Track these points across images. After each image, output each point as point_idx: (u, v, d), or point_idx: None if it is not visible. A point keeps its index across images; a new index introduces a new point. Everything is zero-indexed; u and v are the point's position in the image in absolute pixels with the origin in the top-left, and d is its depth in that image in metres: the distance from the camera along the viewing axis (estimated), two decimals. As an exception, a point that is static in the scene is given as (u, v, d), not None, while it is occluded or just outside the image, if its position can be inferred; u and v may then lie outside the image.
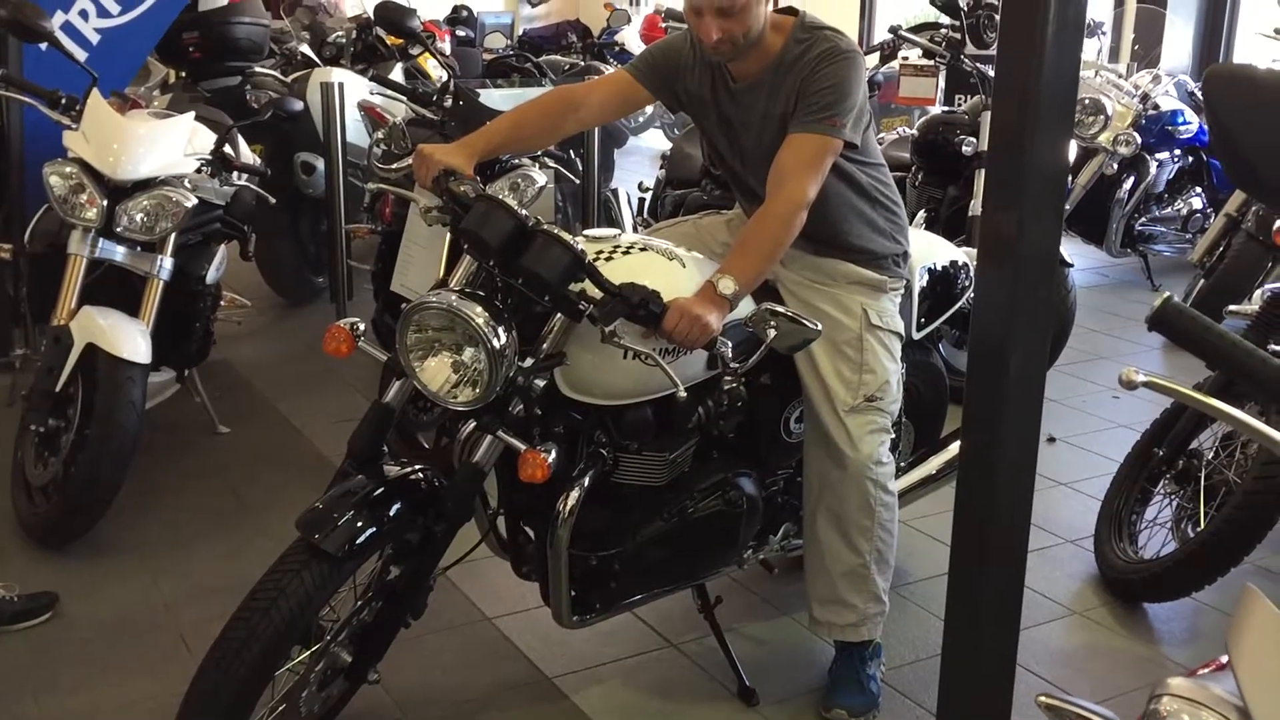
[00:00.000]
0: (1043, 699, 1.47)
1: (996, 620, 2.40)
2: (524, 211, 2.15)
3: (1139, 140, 5.83)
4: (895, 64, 6.16)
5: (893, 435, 2.54)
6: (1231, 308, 3.26)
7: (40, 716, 2.58)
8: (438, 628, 2.86)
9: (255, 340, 5.10)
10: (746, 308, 2.37)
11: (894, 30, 6.50)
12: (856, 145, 2.47)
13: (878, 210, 2.63)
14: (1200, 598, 3.09)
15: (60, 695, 2.65)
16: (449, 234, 3.21)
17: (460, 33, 9.81)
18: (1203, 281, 5.18)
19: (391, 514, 2.18)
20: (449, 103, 3.84)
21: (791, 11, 2.52)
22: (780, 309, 2.18)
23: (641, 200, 5.30)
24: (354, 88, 5.04)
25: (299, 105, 4.04)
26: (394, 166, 3.54)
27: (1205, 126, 5.33)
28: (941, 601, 2.45)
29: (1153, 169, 6.11)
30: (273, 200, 3.90)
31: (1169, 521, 3.21)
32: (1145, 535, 3.27)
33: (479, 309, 2.09)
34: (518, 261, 2.12)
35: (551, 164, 4.05)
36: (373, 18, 4.81)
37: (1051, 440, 4.19)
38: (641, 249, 2.39)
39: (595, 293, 2.14)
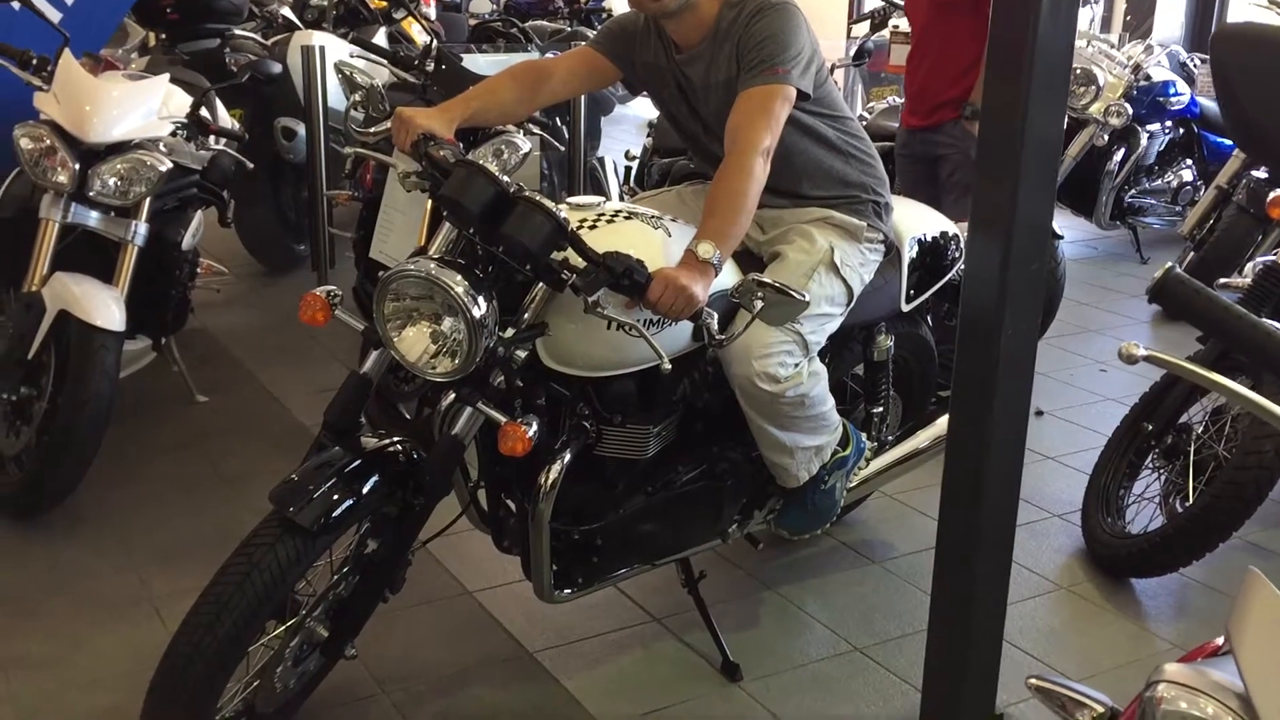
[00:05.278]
0: (1032, 681, 1.44)
1: (984, 595, 2.37)
2: (505, 178, 2.10)
3: (1130, 111, 5.78)
4: (885, 32, 6.08)
5: (798, 364, 2.44)
6: (1223, 281, 3.22)
7: (10, 693, 2.53)
8: (418, 601, 2.82)
9: (235, 308, 5.03)
10: (731, 277, 2.32)
11: (885, -2, 6.42)
12: (809, 95, 2.43)
13: (850, 163, 2.62)
14: (1188, 573, 3.07)
15: (30, 670, 2.60)
16: (429, 200, 3.15)
17: (446, -2, 9.69)
18: (1193, 254, 5.15)
19: (368, 487, 2.13)
20: (431, 67, 3.76)
21: None
22: (767, 280, 2.12)
23: (628, 169, 5.22)
24: (335, 51, 4.94)
25: (278, 68, 3.96)
26: (372, 130, 3.46)
27: (1213, 89, 5.26)
28: (927, 576, 2.43)
29: (1143, 141, 6.06)
30: (250, 165, 3.82)
31: (1157, 496, 3.19)
32: (1133, 510, 3.24)
33: (458, 278, 2.04)
34: (498, 229, 2.07)
35: (537, 131, 3.98)
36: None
37: (1039, 414, 4.16)
38: (626, 217, 2.34)
39: (578, 262, 2.08)
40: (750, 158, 2.28)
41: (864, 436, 2.85)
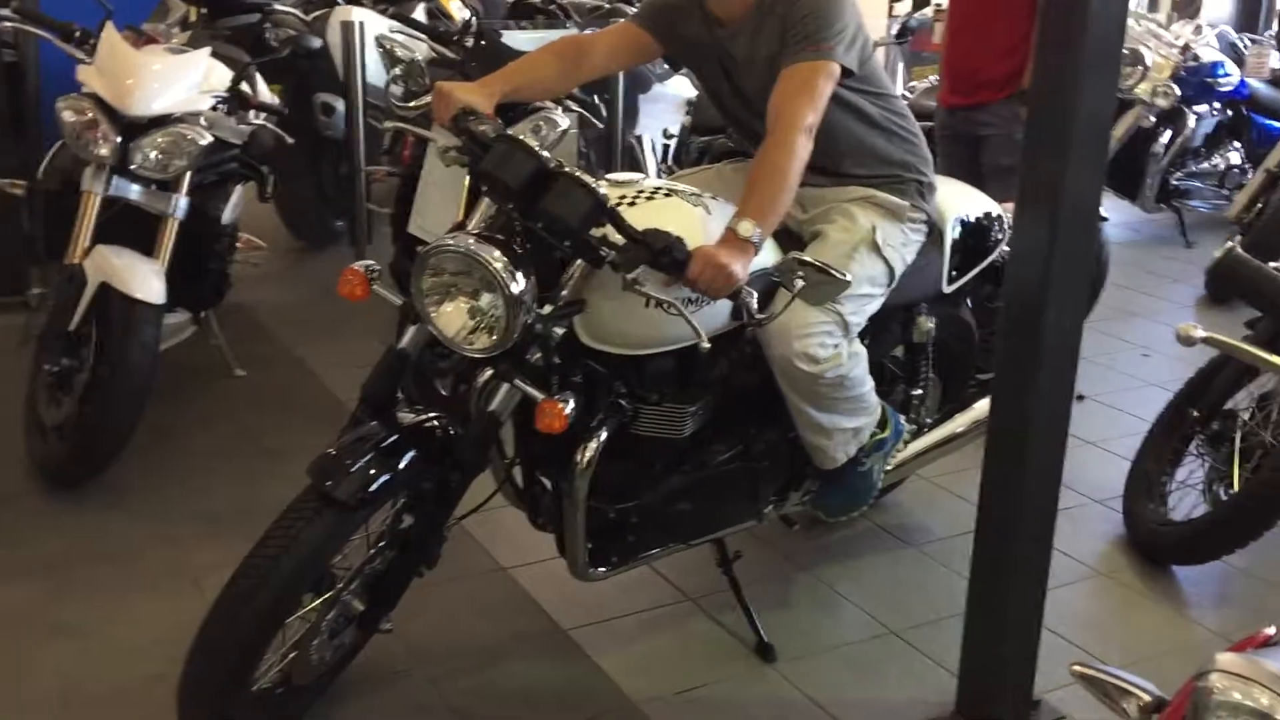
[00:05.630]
0: (1076, 668, 1.42)
1: (1024, 580, 2.35)
2: (546, 153, 2.08)
3: (1178, 92, 5.69)
4: (928, 10, 6.01)
5: (837, 345, 2.42)
6: (1273, 265, 3.16)
7: (52, 661, 2.56)
8: (453, 577, 2.81)
9: (274, 283, 5.04)
10: (772, 256, 2.30)
11: (928, -25, 6.35)
12: (854, 71, 2.39)
13: (893, 141, 2.59)
14: (1231, 561, 3.03)
15: (71, 638, 2.63)
16: (468, 175, 3.13)
17: (484, -26, 9.64)
18: (1240, 238, 5.04)
19: (405, 462, 2.12)
20: (470, 43, 3.74)
21: None
22: (808, 259, 2.10)
23: (666, 147, 5.20)
24: (374, 27, 4.93)
25: (318, 42, 3.96)
26: (412, 105, 3.45)
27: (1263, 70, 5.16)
28: (964, 560, 2.41)
29: (1191, 122, 5.96)
30: (290, 140, 3.83)
31: (1200, 483, 3.14)
32: (1176, 496, 3.20)
33: (497, 253, 2.03)
34: (538, 205, 2.05)
35: (575, 108, 3.95)
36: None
37: (1080, 398, 4.09)
38: (666, 194, 2.32)
39: (617, 239, 2.06)
40: (793, 135, 2.25)
41: (902, 419, 2.82)
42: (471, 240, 2.05)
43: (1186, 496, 3.17)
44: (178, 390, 3.86)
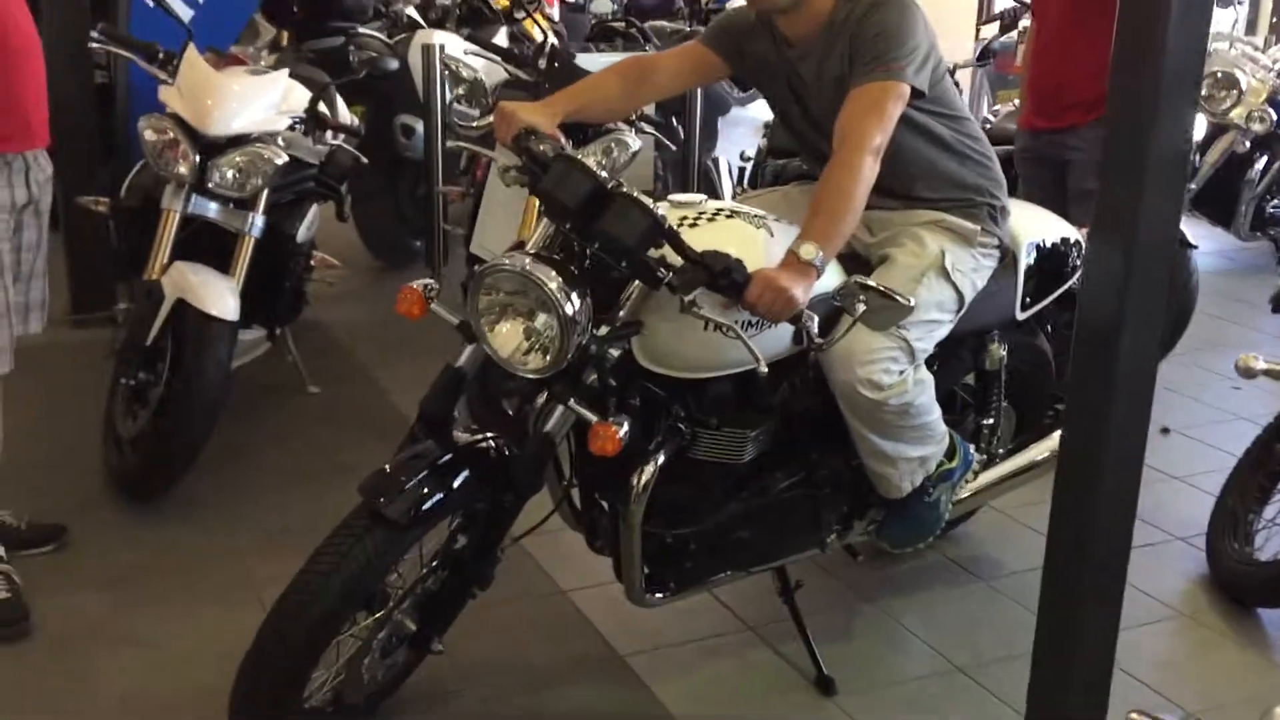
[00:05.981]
0: (1133, 716, 1.35)
1: (1094, 619, 2.26)
2: (604, 173, 2.06)
3: (1275, 117, 5.49)
4: (1014, 33, 5.90)
5: (903, 372, 2.35)
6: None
7: (119, 667, 2.60)
8: (511, 597, 2.80)
9: (350, 302, 5.10)
10: (835, 279, 2.25)
11: (1015, -3, 6.23)
12: (924, 93, 2.33)
13: (966, 165, 2.53)
14: (1320, 606, 2.89)
15: (138, 646, 2.68)
16: (529, 195, 3.14)
17: (570, -1, 9.74)
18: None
19: (459, 482, 2.12)
20: (544, 65, 3.76)
21: None
22: (870, 282, 2.05)
23: (742, 170, 5.16)
24: (455, 50, 4.99)
25: (394, 65, 4.01)
26: (474, 124, 3.47)
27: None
28: (1036, 596, 2.32)
29: (1288, 148, 5.75)
30: (365, 161, 3.87)
31: (1289, 523, 3.01)
32: (1263, 536, 3.06)
33: (552, 273, 2.01)
34: (595, 224, 2.04)
35: (648, 129, 3.94)
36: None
37: (1165, 431, 3.97)
38: (728, 216, 2.29)
39: (676, 260, 2.04)
40: (859, 156, 2.20)
41: (972, 449, 2.74)
42: (527, 260, 2.04)
43: (1275, 536, 3.03)
44: (252, 406, 3.92)
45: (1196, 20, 1.97)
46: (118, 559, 3.04)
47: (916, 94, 2.32)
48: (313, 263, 3.91)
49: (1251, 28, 7.12)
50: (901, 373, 2.35)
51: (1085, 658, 2.27)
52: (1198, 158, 5.67)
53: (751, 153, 5.33)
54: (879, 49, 2.28)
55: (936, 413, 2.49)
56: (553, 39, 4.35)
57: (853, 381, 2.31)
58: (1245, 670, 2.74)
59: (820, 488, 2.51)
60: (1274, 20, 7.00)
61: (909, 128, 2.40)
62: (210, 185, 3.34)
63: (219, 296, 3.23)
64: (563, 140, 2.29)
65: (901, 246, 2.48)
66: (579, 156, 2.14)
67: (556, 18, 8.09)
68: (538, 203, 3.22)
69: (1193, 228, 5.28)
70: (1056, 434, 2.93)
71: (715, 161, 5.21)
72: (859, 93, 2.28)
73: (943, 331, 2.48)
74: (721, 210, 2.29)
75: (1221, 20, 6.44)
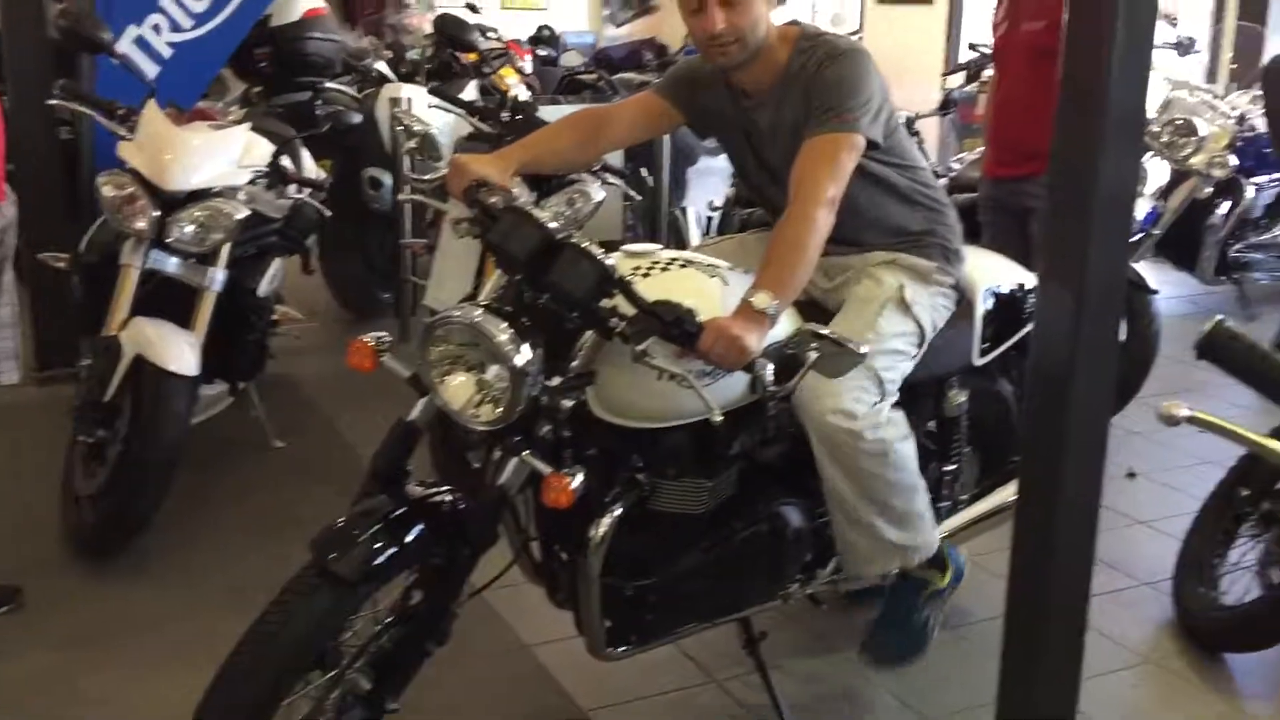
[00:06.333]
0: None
1: (1054, 668, 2.24)
2: (554, 224, 2.06)
3: (1235, 163, 5.56)
4: (975, 84, 5.97)
5: (876, 401, 2.34)
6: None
7: (66, 730, 2.55)
8: (471, 653, 2.75)
9: (318, 355, 5.07)
10: (788, 327, 2.25)
11: (975, 47, 6.32)
12: (879, 144, 2.35)
13: (918, 211, 2.55)
14: (1287, 649, 2.88)
15: (94, 707, 2.63)
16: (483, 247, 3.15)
17: (542, 52, 9.83)
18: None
19: (412, 537, 2.09)
20: (507, 118, 3.77)
21: (794, 25, 2.47)
22: (823, 330, 2.05)
23: (710, 219, 5.19)
24: (421, 103, 5.02)
25: (357, 118, 4.02)
26: (427, 177, 3.48)
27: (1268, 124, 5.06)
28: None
29: (1249, 193, 5.82)
30: (329, 214, 3.87)
31: (1254, 566, 3.00)
32: (1228, 580, 3.05)
33: (503, 325, 2.00)
34: (545, 276, 2.03)
35: (614, 180, 3.96)
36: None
37: (1132, 475, 3.98)
38: (681, 265, 2.29)
39: (628, 310, 2.03)
40: (813, 208, 2.21)
41: (964, 558, 2.70)
42: (477, 312, 2.03)
43: (1240, 579, 3.03)
44: (216, 461, 3.89)
45: (1137, 64, 2.00)
46: (75, 619, 2.99)
47: (871, 145, 2.34)
48: (276, 317, 3.89)
49: (1211, 75, 7.23)
50: (874, 404, 2.34)
51: (1047, 707, 2.25)
52: (1161, 203, 5.73)
53: (720, 202, 5.36)
54: (834, 100, 2.30)
55: (921, 486, 2.46)
56: (522, 92, 4.38)
57: (824, 413, 2.29)
58: (1213, 716, 2.72)
59: (781, 537, 2.48)
60: (1232, 68, 7.12)
61: (864, 178, 2.42)
62: (170, 240, 3.33)
63: (178, 352, 3.21)
64: (515, 192, 2.29)
65: (859, 284, 2.50)
66: (534, 208, 2.14)
67: (529, 70, 8.17)
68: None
69: (1158, 273, 5.33)
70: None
71: (683, 211, 5.23)
72: (814, 143, 2.29)
73: (907, 366, 2.47)
74: (675, 260, 2.29)
75: (1181, 68, 6.53)
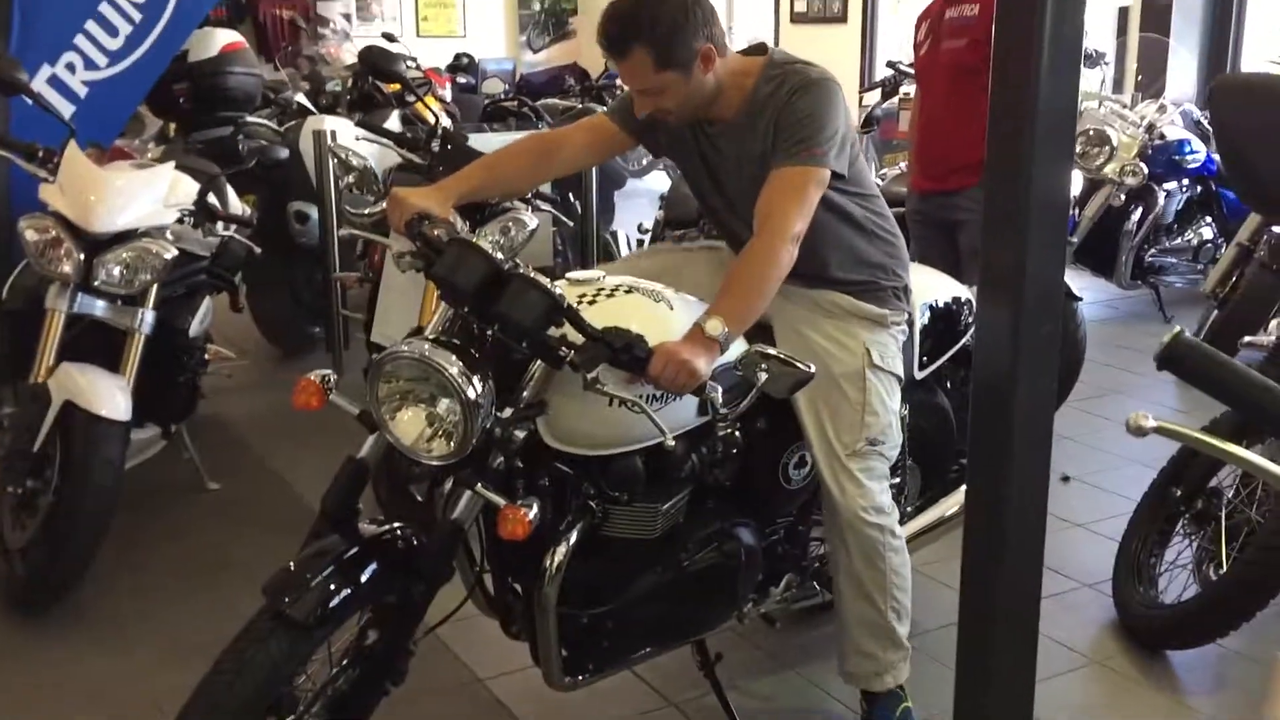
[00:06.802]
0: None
1: (1009, 672, 2.27)
2: (499, 255, 2.06)
3: (1146, 171, 5.74)
4: (895, 100, 6.09)
5: (895, 481, 2.43)
6: (1247, 339, 3.15)
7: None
8: (426, 690, 2.72)
9: (249, 393, 5.00)
10: (738, 349, 2.27)
11: (893, 65, 6.45)
12: (844, 175, 2.38)
13: (874, 243, 2.54)
14: (1226, 644, 2.95)
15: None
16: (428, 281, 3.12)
17: (462, 80, 9.79)
18: (1216, 313, 5.05)
19: (366, 576, 2.06)
20: (437, 148, 3.76)
21: (761, 50, 2.47)
22: (772, 351, 2.07)
23: (640, 242, 5.21)
24: (346, 135, 4.98)
25: (284, 152, 3.98)
26: (366, 211, 3.45)
27: (1214, 143, 5.23)
28: (954, 653, 2.33)
29: (1161, 199, 6.01)
30: (259, 251, 3.81)
31: (1190, 564, 3.07)
32: (1165, 578, 3.13)
33: (453, 358, 1.99)
34: (493, 307, 2.02)
35: (545, 207, 3.96)
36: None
37: (1066, 479, 4.06)
38: (627, 291, 2.29)
39: (577, 338, 2.03)
40: (779, 243, 2.23)
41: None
42: (427, 346, 2.02)
43: (1177, 578, 3.10)
44: (149, 506, 3.79)
45: (1066, 82, 2.05)
46: (9, 682, 2.89)
47: (836, 176, 2.36)
48: (207, 356, 3.82)
49: (1118, 86, 7.44)
50: (894, 482, 2.48)
51: (1001, 713, 2.28)
52: (1077, 212, 5.89)
53: (649, 224, 5.39)
54: (804, 133, 2.30)
55: (905, 598, 2.56)
56: (445, 121, 4.36)
57: (857, 512, 2.42)
58: (1158, 713, 2.78)
59: (735, 557, 2.49)
60: (1139, 78, 7.33)
61: (825, 208, 2.40)
62: (96, 283, 3.25)
63: (108, 396, 3.13)
64: (457, 223, 2.28)
65: (825, 350, 2.47)
66: (474, 238, 2.13)
67: (449, 98, 8.13)
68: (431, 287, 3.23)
69: (1076, 279, 5.46)
70: (963, 488, 2.97)
71: (614, 234, 5.25)
72: (782, 174, 2.30)
73: (899, 423, 2.56)
74: (620, 286, 2.29)
75: (1090, 80, 6.72)
